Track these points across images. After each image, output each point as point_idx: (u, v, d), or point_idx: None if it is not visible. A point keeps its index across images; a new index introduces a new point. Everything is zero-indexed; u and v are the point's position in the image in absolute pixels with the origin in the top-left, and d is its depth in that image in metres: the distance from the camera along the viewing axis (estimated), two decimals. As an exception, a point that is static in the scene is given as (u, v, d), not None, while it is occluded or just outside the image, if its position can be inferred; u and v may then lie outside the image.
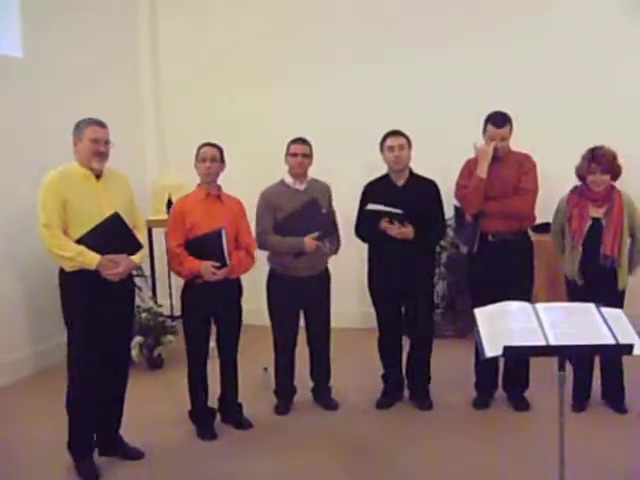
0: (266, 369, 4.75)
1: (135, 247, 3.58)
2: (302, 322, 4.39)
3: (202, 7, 6.57)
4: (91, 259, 3.38)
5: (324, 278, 4.38)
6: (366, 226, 4.29)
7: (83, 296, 3.43)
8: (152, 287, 6.00)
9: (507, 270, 4.11)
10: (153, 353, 5.25)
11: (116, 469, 3.64)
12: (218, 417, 4.17)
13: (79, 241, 3.39)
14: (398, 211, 4.10)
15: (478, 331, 2.74)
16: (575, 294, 4.03)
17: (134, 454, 3.76)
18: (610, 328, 2.65)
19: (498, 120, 4.13)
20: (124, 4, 6.44)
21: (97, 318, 3.45)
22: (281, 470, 3.62)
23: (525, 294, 3.93)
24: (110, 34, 6.14)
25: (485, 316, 2.81)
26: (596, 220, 4.04)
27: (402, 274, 4.19)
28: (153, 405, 4.50)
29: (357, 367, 5.03)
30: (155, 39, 6.71)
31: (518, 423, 4.14)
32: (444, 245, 5.81)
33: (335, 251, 4.42)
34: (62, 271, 3.46)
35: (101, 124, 3.55)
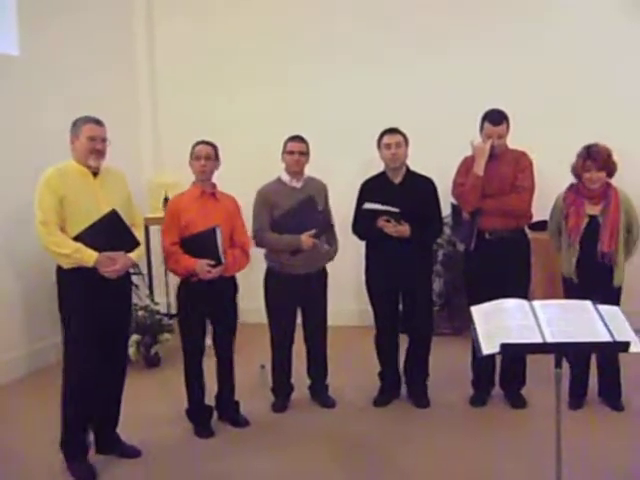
0: (263, 367, 4.75)
1: (132, 244, 3.58)
2: (299, 320, 4.39)
3: (201, 7, 6.56)
4: (88, 256, 3.37)
5: (321, 276, 4.38)
6: (363, 224, 4.30)
7: (80, 293, 3.43)
8: (149, 285, 5.99)
9: (504, 268, 4.12)
10: (150, 351, 5.25)
11: (113, 467, 3.64)
12: (215, 415, 4.17)
13: (76, 238, 3.39)
14: (394, 210, 4.11)
15: (475, 329, 2.74)
16: (572, 292, 4.03)
17: (131, 452, 3.75)
18: (607, 325, 2.66)
19: (495, 118, 4.14)
20: (121, 3, 6.43)
21: (94, 316, 3.44)
22: (278, 468, 3.62)
23: (522, 291, 3.95)
24: (107, 33, 6.13)
25: (482, 314, 2.81)
26: (593, 217, 4.05)
27: (399, 272, 4.19)
28: (150, 403, 4.50)
29: (354, 365, 5.03)
30: (152, 38, 6.70)
31: (515, 420, 4.15)
32: (441, 243, 5.82)
33: (334, 252, 4.44)
34: (59, 268, 3.46)
35: (98, 122, 3.55)
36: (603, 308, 2.76)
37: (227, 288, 4.03)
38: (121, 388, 3.76)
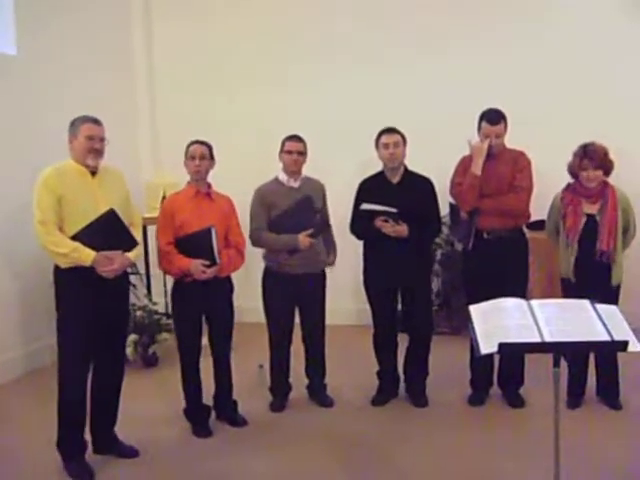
0: (261, 366, 4.75)
1: (130, 244, 3.57)
2: (297, 319, 4.39)
3: (200, 7, 6.56)
4: (86, 256, 3.37)
5: (319, 275, 4.37)
6: (361, 224, 4.29)
7: (78, 293, 3.42)
8: (147, 285, 5.98)
9: (502, 267, 4.12)
10: (148, 351, 5.24)
11: (111, 467, 3.64)
12: (213, 415, 4.16)
13: (74, 237, 3.38)
14: (392, 210, 4.11)
15: (473, 328, 2.74)
16: (570, 292, 4.02)
17: (129, 452, 3.75)
18: (605, 325, 2.65)
19: (493, 117, 4.14)
20: (119, 3, 6.42)
21: (92, 315, 3.44)
22: (276, 467, 3.62)
23: (520, 291, 3.95)
24: (105, 33, 6.12)
25: (480, 313, 2.80)
26: (590, 216, 4.05)
27: (398, 271, 4.19)
28: (148, 403, 4.49)
29: (352, 364, 5.03)
30: (150, 38, 6.70)
31: (513, 420, 4.15)
32: (439, 242, 5.83)
33: (334, 258, 4.47)
34: (57, 268, 3.45)
35: (96, 121, 3.55)
36: (601, 307, 2.76)
37: (222, 288, 4.02)
38: (119, 388, 3.76)
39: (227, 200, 4.13)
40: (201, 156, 3.95)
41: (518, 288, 4.00)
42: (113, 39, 6.30)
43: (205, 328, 4.06)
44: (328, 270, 4.45)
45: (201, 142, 4.01)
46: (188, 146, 4.01)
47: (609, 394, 4.25)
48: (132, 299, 4.43)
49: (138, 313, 5.35)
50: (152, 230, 5.71)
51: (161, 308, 5.80)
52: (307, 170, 4.36)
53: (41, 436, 3.83)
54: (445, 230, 5.56)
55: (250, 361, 4.86)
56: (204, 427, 4.04)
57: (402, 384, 4.51)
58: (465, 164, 4.26)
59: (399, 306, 4.44)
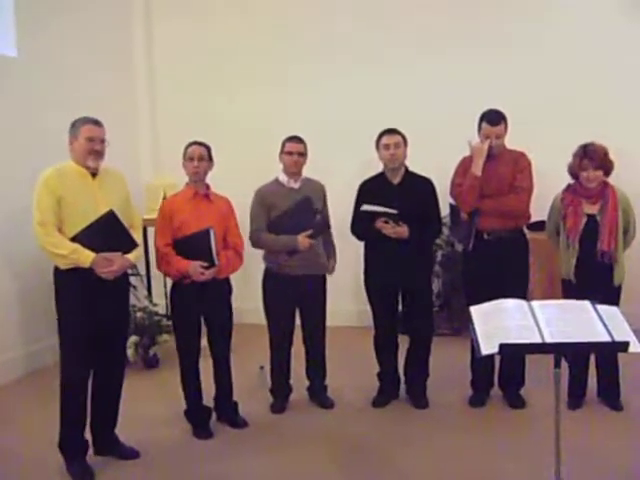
0: (262, 368, 4.75)
1: (130, 245, 3.57)
2: (298, 321, 4.39)
3: (200, 7, 6.56)
4: (85, 257, 3.37)
5: (320, 277, 4.37)
6: (361, 225, 4.29)
7: (77, 294, 3.42)
8: (147, 286, 5.98)
9: (502, 268, 4.12)
10: (149, 352, 5.24)
11: (111, 469, 3.63)
12: (214, 416, 4.16)
13: (74, 239, 3.38)
14: (392, 211, 4.10)
15: (474, 329, 2.74)
16: (571, 293, 4.00)
17: (129, 453, 3.75)
18: (606, 325, 2.65)
19: (493, 118, 4.14)
20: (119, 3, 6.42)
21: (91, 316, 3.44)
22: (277, 469, 3.62)
23: (520, 292, 3.95)
24: (105, 33, 6.12)
25: (481, 314, 2.80)
26: (591, 217, 4.04)
27: (399, 272, 4.18)
28: (149, 404, 4.49)
29: (353, 365, 5.03)
30: (150, 38, 6.70)
31: (514, 421, 4.14)
32: (440, 243, 5.82)
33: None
34: (57, 269, 3.45)
35: (97, 123, 3.55)
36: (602, 308, 2.76)
37: (221, 289, 4.02)
38: (119, 389, 3.76)
39: (225, 201, 4.12)
40: (200, 157, 3.94)
41: (519, 289, 4.00)
42: (113, 39, 6.29)
43: (204, 330, 4.06)
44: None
45: (199, 143, 4.01)
46: (186, 147, 4.00)
47: (610, 395, 4.24)
48: (132, 300, 4.43)
49: (139, 314, 5.34)
50: (152, 231, 5.72)
51: (162, 309, 5.79)
52: (307, 170, 4.35)
53: (42, 437, 3.84)
54: (445, 231, 5.56)
55: (250, 362, 4.85)
56: (205, 429, 4.03)
57: (403, 385, 4.51)
58: (465, 165, 4.25)
59: (400, 307, 4.43)
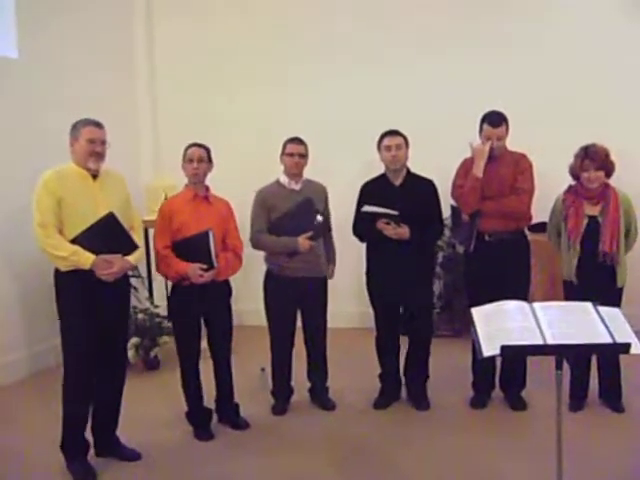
0: (263, 369, 4.74)
1: (130, 247, 3.57)
2: (299, 322, 4.38)
3: (200, 7, 6.55)
4: (85, 259, 3.36)
5: (321, 278, 4.36)
6: (363, 226, 4.29)
7: (78, 296, 3.42)
8: (149, 288, 5.98)
9: (504, 269, 4.11)
10: (150, 354, 5.23)
11: (113, 470, 3.63)
12: (215, 418, 4.16)
13: (74, 241, 3.38)
14: (393, 212, 4.10)
15: (475, 330, 2.73)
16: (572, 295, 3.99)
17: (131, 455, 3.75)
18: (607, 327, 2.65)
19: (494, 120, 4.13)
20: (120, 4, 6.41)
21: (92, 318, 3.44)
22: (278, 471, 3.61)
23: (522, 293, 3.95)
24: (106, 34, 6.11)
25: (482, 315, 2.80)
26: (592, 218, 4.04)
27: (400, 273, 4.17)
28: (150, 406, 4.49)
29: (354, 367, 5.02)
30: (151, 39, 6.69)
31: (515, 422, 4.14)
32: (441, 245, 5.82)
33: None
34: (57, 271, 3.45)
35: (98, 124, 3.55)
36: (603, 310, 2.76)
37: (220, 291, 4.01)
38: (120, 391, 3.75)
39: (225, 203, 4.12)
40: (199, 159, 3.94)
41: (520, 290, 3.99)
42: (114, 39, 6.28)
43: (204, 331, 4.06)
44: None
45: (199, 145, 4.00)
46: (186, 149, 4.00)
47: (611, 396, 4.24)
48: (134, 302, 4.43)
49: (140, 316, 5.34)
50: (153, 233, 5.73)
51: (163, 311, 5.77)
52: (307, 171, 4.35)
53: (45, 437, 3.84)
54: (447, 232, 5.55)
55: (252, 364, 4.85)
56: (206, 430, 4.03)
57: (404, 387, 4.50)
58: (466, 166, 4.25)
59: (401, 308, 4.43)
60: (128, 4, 6.53)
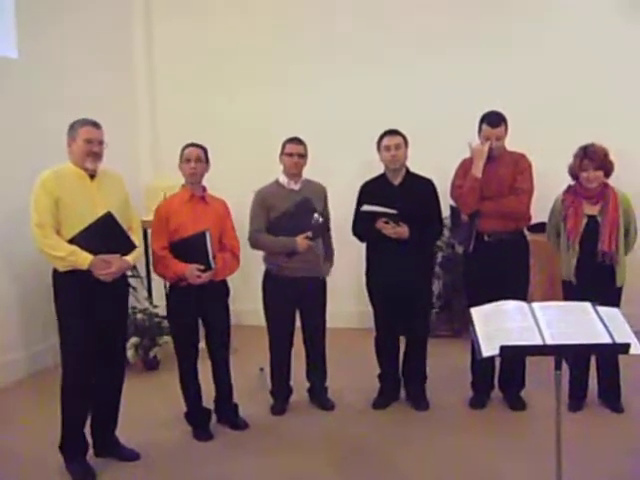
0: (262, 369, 4.74)
1: (128, 247, 3.56)
2: (298, 322, 4.38)
3: (200, 7, 6.55)
4: (83, 259, 3.36)
5: (320, 278, 4.36)
6: (362, 225, 4.29)
7: (76, 296, 3.42)
8: (148, 288, 5.97)
9: (503, 270, 4.11)
10: (149, 354, 5.23)
11: (112, 470, 3.63)
12: (214, 418, 4.15)
13: (71, 241, 3.38)
14: (392, 211, 4.10)
15: (474, 331, 2.73)
16: (572, 295, 3.99)
17: (130, 455, 3.75)
18: (606, 327, 2.65)
19: (493, 120, 4.13)
20: (119, 4, 6.41)
21: (90, 318, 3.44)
22: (277, 471, 3.61)
23: (521, 294, 3.94)
24: (106, 34, 6.11)
25: (481, 315, 2.80)
26: (591, 218, 4.04)
27: (400, 273, 4.17)
28: (149, 406, 4.49)
29: (353, 367, 5.02)
30: (150, 38, 6.68)
31: (515, 423, 4.14)
32: (440, 245, 5.81)
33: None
34: (55, 271, 3.45)
35: (95, 125, 3.54)
36: (603, 310, 2.76)
37: (218, 291, 4.01)
38: (119, 391, 3.75)
39: (222, 203, 4.11)
40: (197, 159, 3.93)
41: (519, 291, 3.99)
42: (113, 39, 6.28)
43: (202, 332, 4.05)
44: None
45: (196, 145, 4.00)
46: (183, 149, 3.99)
47: (610, 397, 4.23)
48: (133, 302, 4.43)
49: (139, 316, 5.33)
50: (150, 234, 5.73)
51: (162, 311, 5.75)
52: (306, 171, 4.34)
53: (43, 437, 3.84)
54: (446, 232, 5.54)
55: (250, 364, 4.84)
56: (205, 430, 4.03)
57: (403, 387, 4.50)
58: (465, 167, 4.25)
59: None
60: (127, 4, 6.53)
